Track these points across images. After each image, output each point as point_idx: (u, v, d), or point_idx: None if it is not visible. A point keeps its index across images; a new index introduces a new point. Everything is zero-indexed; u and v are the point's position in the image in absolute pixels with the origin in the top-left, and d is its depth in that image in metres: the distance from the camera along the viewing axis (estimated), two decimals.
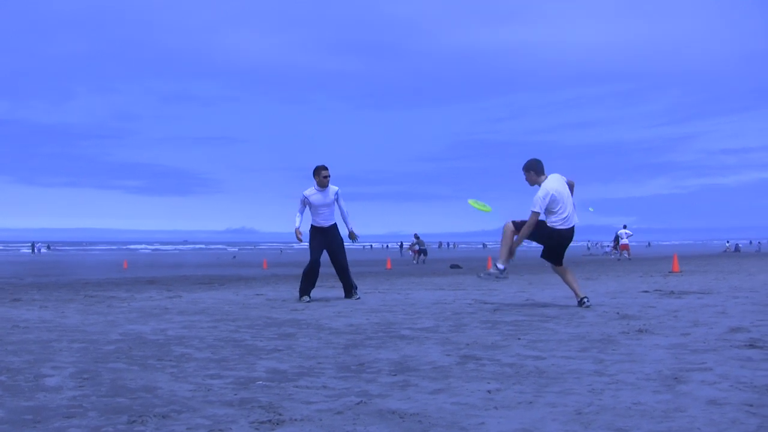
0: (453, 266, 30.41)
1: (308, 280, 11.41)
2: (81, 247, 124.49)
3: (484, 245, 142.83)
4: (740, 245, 77.21)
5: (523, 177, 9.94)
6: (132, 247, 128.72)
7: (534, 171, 9.84)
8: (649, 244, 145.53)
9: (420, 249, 44.07)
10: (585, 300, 9.67)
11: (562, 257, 10.03)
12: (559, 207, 9.59)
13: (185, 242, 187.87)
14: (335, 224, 11.68)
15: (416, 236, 45.89)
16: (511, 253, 9.87)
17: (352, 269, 11.60)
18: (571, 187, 9.96)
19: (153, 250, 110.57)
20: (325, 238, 11.56)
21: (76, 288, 15.72)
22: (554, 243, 9.84)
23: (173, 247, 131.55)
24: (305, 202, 11.58)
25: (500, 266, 9.72)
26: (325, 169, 11.56)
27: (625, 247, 41.50)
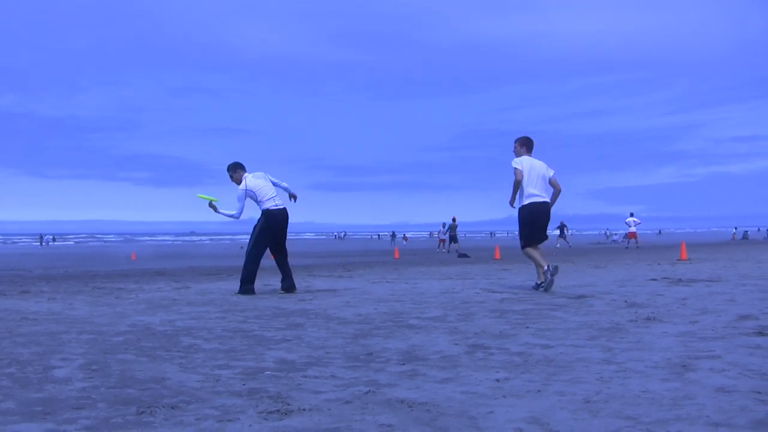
0: (461, 255, 30.41)
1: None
2: (89, 239, 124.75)
3: (492, 234, 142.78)
4: (749, 232, 76.94)
5: (514, 147, 11.17)
6: (145, 238, 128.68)
7: (526, 147, 11.12)
8: (660, 231, 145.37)
9: (451, 236, 40.68)
10: (543, 284, 10.53)
11: (538, 235, 10.88)
12: (528, 178, 10.72)
13: (192, 233, 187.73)
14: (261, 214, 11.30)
15: (446, 223, 43.70)
16: (540, 259, 10.73)
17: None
18: (553, 185, 11.02)
19: (172, 240, 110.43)
20: None
21: (84, 280, 15.76)
22: (529, 219, 10.80)
23: (185, 238, 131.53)
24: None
25: (539, 282, 10.66)
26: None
27: (633, 235, 41.46)
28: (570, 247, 39.10)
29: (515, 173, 10.66)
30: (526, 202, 10.74)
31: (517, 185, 10.72)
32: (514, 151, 11.11)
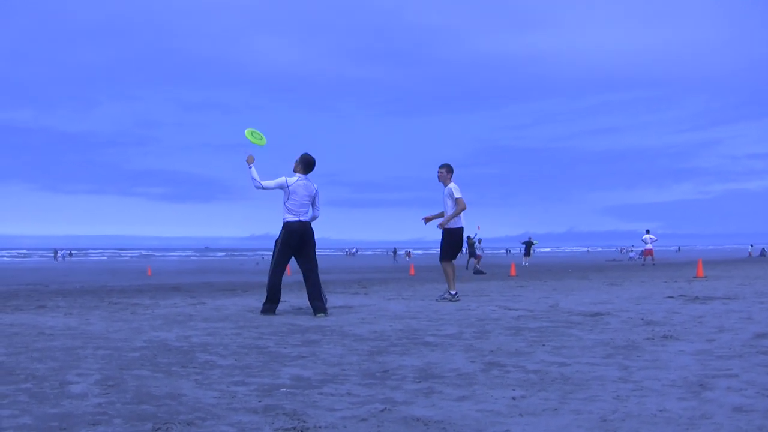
0: (476, 272, 30.35)
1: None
2: (105, 254, 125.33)
3: (508, 251, 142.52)
4: (765, 249, 76.43)
5: (441, 172, 12.48)
6: (160, 254, 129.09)
7: (451, 174, 12.48)
8: (679, 249, 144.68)
9: (469, 252, 37.60)
10: (456, 294, 12.26)
11: (456, 254, 12.56)
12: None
13: (206, 249, 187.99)
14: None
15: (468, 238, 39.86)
16: (453, 280, 12.41)
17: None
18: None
19: (188, 256, 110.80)
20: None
21: (100, 295, 15.79)
22: (456, 240, 12.37)
23: (200, 254, 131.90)
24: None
25: (453, 292, 12.30)
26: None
27: (650, 252, 41.27)
28: (525, 265, 38.26)
29: (458, 202, 12.12)
30: (459, 225, 12.36)
31: (461, 210, 12.19)
32: (440, 178, 12.52)
